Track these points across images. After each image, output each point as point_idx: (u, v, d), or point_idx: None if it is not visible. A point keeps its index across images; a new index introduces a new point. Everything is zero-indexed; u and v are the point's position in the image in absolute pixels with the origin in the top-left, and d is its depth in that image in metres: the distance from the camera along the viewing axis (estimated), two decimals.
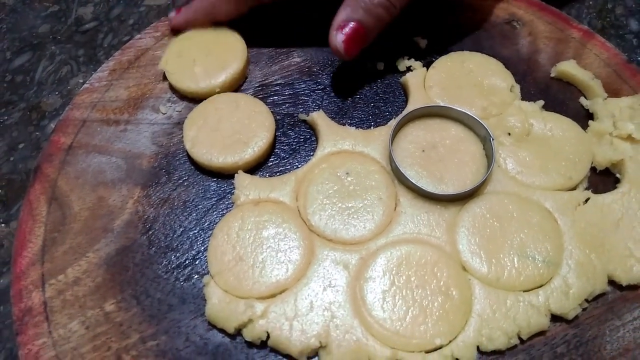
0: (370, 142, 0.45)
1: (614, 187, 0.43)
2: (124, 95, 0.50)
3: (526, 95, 0.49)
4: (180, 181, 0.45)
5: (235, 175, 0.43)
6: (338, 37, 0.44)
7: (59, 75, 0.59)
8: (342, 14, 0.44)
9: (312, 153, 0.46)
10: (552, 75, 0.50)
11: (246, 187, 0.43)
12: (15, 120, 0.56)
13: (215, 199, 0.44)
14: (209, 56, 0.49)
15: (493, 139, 0.43)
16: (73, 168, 0.46)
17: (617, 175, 0.44)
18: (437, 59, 0.50)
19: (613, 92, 0.49)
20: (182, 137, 0.46)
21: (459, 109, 0.45)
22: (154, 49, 0.52)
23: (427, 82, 0.48)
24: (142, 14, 0.64)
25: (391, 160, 0.43)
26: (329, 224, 0.41)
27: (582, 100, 0.48)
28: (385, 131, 0.45)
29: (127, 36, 0.63)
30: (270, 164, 0.46)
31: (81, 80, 0.59)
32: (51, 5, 0.65)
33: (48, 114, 0.56)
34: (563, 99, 0.49)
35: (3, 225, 0.49)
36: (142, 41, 0.53)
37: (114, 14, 0.65)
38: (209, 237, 0.42)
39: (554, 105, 0.48)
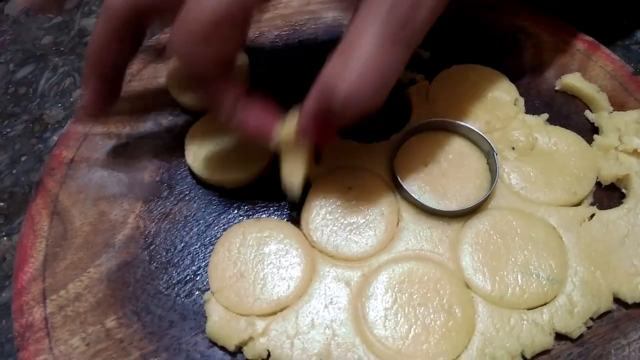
0: (373, 156, 0.45)
1: (620, 203, 0.43)
2: (126, 108, 0.50)
3: (530, 109, 0.48)
4: (182, 195, 0.45)
5: None
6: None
7: (62, 87, 0.59)
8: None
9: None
10: (557, 88, 0.50)
11: None
12: (18, 132, 0.56)
13: (217, 213, 0.44)
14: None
15: (497, 154, 0.43)
16: (75, 182, 0.46)
17: (623, 191, 0.43)
18: (440, 71, 0.50)
19: (619, 105, 0.48)
20: (184, 151, 0.46)
21: (462, 123, 0.45)
22: (156, 62, 0.52)
23: (430, 96, 0.48)
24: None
25: (393, 175, 0.43)
26: (331, 240, 0.40)
27: (587, 113, 0.48)
28: (387, 145, 0.45)
29: None
30: (272, 178, 0.46)
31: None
32: (55, 16, 0.65)
33: (51, 127, 0.56)
34: (568, 113, 0.49)
35: (5, 238, 0.49)
36: (144, 54, 0.53)
37: None
38: (210, 252, 0.42)
39: (558, 118, 0.48)
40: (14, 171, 0.53)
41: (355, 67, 0.33)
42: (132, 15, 0.36)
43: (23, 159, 0.54)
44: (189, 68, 0.35)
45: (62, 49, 0.62)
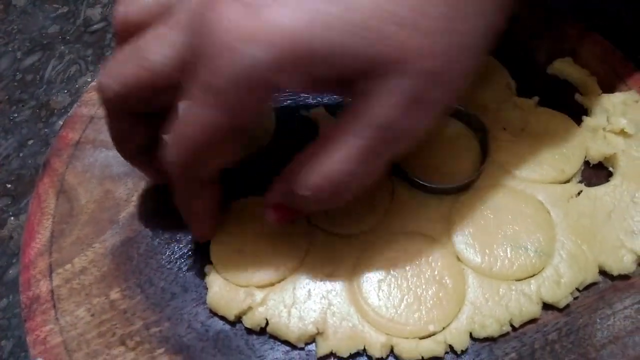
0: None
1: (607, 180, 0.44)
2: None
3: (522, 92, 0.49)
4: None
5: None
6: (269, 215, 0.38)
7: (68, 74, 0.61)
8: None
9: None
10: (548, 72, 0.51)
11: None
12: (25, 117, 0.57)
13: None
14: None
15: (488, 134, 0.44)
16: (81, 162, 0.47)
17: (610, 169, 0.45)
18: None
19: (608, 88, 0.49)
20: None
21: (454, 104, 0.46)
22: None
23: None
24: None
25: None
26: (326, 216, 0.42)
27: (577, 96, 0.49)
28: None
29: None
30: (270, 159, 0.47)
31: (89, 79, 0.61)
32: (60, 6, 0.67)
33: (57, 112, 0.57)
34: (558, 95, 0.50)
35: (12, 218, 0.50)
36: None
37: None
38: None
39: (549, 101, 0.49)
40: (21, 154, 0.55)
41: (323, 174, 0.32)
42: (126, 104, 0.35)
43: (30, 142, 0.56)
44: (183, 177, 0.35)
45: (67, 37, 0.64)
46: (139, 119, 0.37)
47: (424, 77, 0.30)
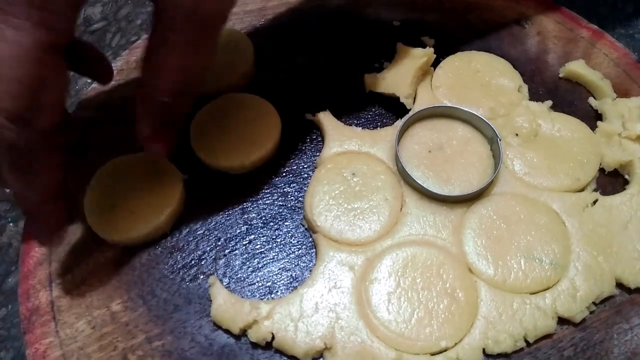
0: (377, 142, 0.45)
1: (623, 189, 0.43)
2: (130, 95, 0.50)
3: (534, 96, 0.48)
4: (187, 181, 0.45)
5: None
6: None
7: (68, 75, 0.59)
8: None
9: (317, 153, 0.46)
10: (561, 75, 0.50)
11: None
12: None
13: (221, 199, 0.44)
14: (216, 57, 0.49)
15: (500, 140, 0.43)
16: (80, 167, 0.46)
17: (626, 177, 0.44)
18: (444, 58, 0.50)
19: (622, 92, 0.48)
20: (189, 137, 0.46)
21: (465, 109, 0.45)
22: None
23: (434, 82, 0.48)
24: (150, 14, 0.64)
25: (397, 161, 0.43)
26: (335, 224, 0.41)
27: (591, 100, 0.48)
28: (391, 131, 0.45)
29: (135, 36, 0.63)
30: (276, 164, 0.46)
31: (89, 80, 0.59)
32: None
33: None
34: (571, 100, 0.49)
35: (11, 224, 0.49)
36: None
37: (122, 14, 0.65)
38: (214, 237, 0.42)
39: (562, 105, 0.48)
40: None
41: (170, 68, 0.35)
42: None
43: None
44: None
45: None
46: None
47: None
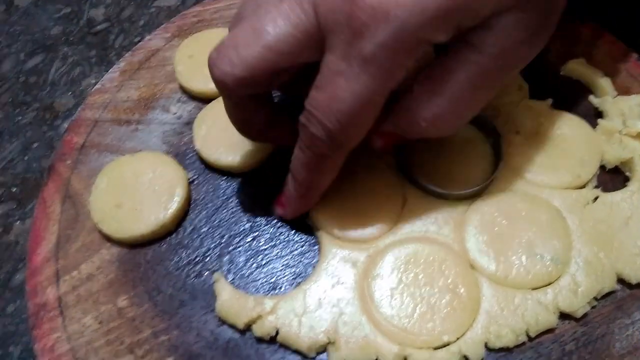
0: None
1: (624, 185, 0.43)
2: (134, 96, 0.50)
3: (535, 94, 0.48)
4: (190, 180, 0.45)
5: None
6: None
7: (72, 76, 0.60)
8: None
9: None
10: (562, 73, 0.50)
11: None
12: (29, 120, 0.57)
13: (225, 197, 0.45)
14: None
15: (501, 138, 0.43)
16: (85, 167, 0.46)
17: (627, 174, 0.44)
18: None
19: (623, 90, 0.48)
20: (192, 136, 0.46)
21: None
22: (164, 49, 0.53)
23: None
24: (153, 15, 0.65)
25: (399, 158, 0.44)
26: (337, 222, 0.41)
27: (592, 98, 0.48)
28: None
29: (138, 37, 0.64)
30: (279, 162, 0.46)
31: (93, 81, 0.60)
32: (64, 7, 0.66)
33: (61, 114, 0.57)
34: (572, 97, 0.49)
35: (18, 222, 0.50)
36: (152, 42, 0.54)
37: (125, 15, 0.66)
38: (218, 234, 0.43)
39: (563, 103, 0.48)
40: (26, 158, 0.54)
41: (445, 103, 0.34)
42: (250, 88, 0.35)
43: (34, 146, 0.55)
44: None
45: (71, 39, 0.63)
46: (259, 100, 0.37)
47: (538, 9, 0.32)
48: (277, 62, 0.33)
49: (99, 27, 0.65)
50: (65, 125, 0.55)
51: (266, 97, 0.38)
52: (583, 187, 0.43)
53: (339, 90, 0.31)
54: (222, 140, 0.45)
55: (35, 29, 0.65)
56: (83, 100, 0.51)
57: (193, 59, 0.50)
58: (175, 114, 0.49)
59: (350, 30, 0.30)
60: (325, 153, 0.35)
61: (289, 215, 0.41)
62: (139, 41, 0.55)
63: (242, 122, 0.39)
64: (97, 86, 0.51)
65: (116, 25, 0.65)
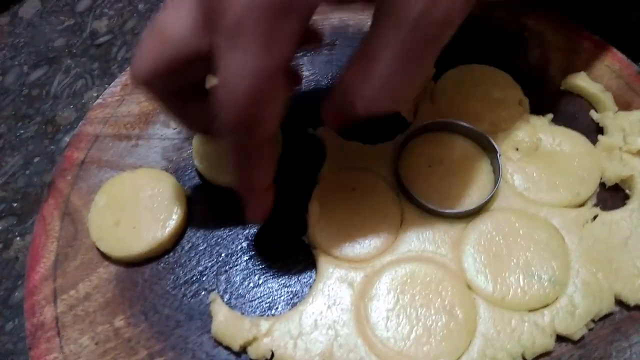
0: (377, 157, 0.45)
1: (623, 203, 0.43)
2: (135, 110, 0.51)
3: (535, 109, 0.48)
4: (189, 196, 0.45)
5: None
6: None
7: (74, 89, 0.60)
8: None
9: (319, 168, 0.46)
10: (562, 87, 0.50)
11: None
12: (31, 133, 0.57)
13: (224, 214, 0.45)
14: None
15: (500, 155, 0.43)
16: (85, 183, 0.47)
17: (627, 192, 0.43)
18: (444, 72, 0.50)
19: (624, 104, 0.48)
20: (192, 152, 0.47)
21: (465, 124, 0.45)
22: None
23: (434, 96, 0.48)
24: None
25: (397, 177, 0.43)
26: (335, 240, 0.41)
27: (592, 113, 0.48)
28: (391, 147, 0.45)
29: None
30: (277, 179, 0.46)
31: (95, 94, 0.60)
32: (67, 18, 0.67)
33: (63, 128, 0.57)
34: (573, 112, 0.49)
35: (18, 238, 0.50)
36: None
37: (128, 27, 0.66)
38: (216, 252, 0.43)
39: (563, 118, 0.48)
40: (27, 172, 0.54)
41: (376, 83, 0.33)
42: (160, 80, 0.35)
43: (36, 160, 0.55)
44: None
45: (74, 51, 0.63)
46: (187, 94, 0.37)
47: None
48: (176, 54, 0.33)
49: (101, 39, 0.65)
50: (67, 139, 0.56)
51: (194, 90, 0.37)
52: (582, 204, 0.43)
53: (224, 71, 0.30)
54: (222, 157, 0.45)
55: (39, 41, 0.65)
56: (85, 114, 0.51)
57: None
58: (175, 129, 0.49)
59: (211, 7, 0.30)
60: (242, 140, 0.33)
61: (253, 216, 0.40)
62: None
63: (180, 117, 0.38)
64: (98, 100, 0.51)
65: (119, 38, 0.65)
